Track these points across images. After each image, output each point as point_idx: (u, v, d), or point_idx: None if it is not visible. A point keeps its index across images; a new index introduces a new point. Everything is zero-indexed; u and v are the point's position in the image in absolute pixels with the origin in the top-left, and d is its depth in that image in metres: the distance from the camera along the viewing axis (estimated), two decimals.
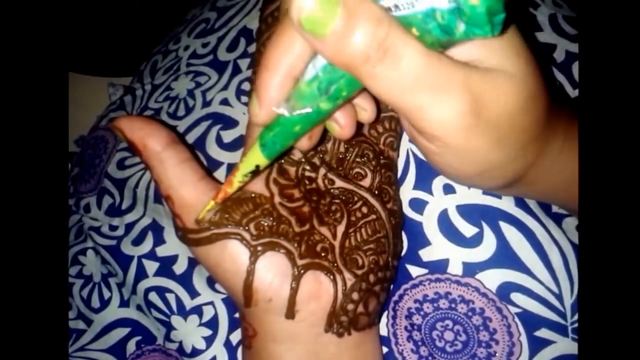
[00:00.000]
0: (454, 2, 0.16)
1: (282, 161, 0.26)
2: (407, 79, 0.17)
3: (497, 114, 0.18)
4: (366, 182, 0.27)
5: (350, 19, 0.16)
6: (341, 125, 0.22)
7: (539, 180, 0.23)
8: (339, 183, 0.26)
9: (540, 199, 0.27)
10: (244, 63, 0.35)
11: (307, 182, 0.26)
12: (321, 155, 0.27)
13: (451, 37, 0.17)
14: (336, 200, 0.26)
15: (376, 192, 0.26)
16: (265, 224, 0.24)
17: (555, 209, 0.27)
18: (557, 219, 0.27)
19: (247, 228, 0.24)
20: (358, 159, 0.27)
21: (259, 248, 0.23)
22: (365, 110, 0.22)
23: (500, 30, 0.16)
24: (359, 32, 0.16)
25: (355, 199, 0.26)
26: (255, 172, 0.23)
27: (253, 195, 0.25)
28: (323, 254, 0.24)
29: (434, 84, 0.17)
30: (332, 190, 0.26)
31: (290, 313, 0.23)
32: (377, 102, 0.22)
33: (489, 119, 0.18)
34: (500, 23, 0.16)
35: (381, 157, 0.27)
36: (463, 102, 0.18)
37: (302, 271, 0.23)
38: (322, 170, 0.27)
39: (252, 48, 0.35)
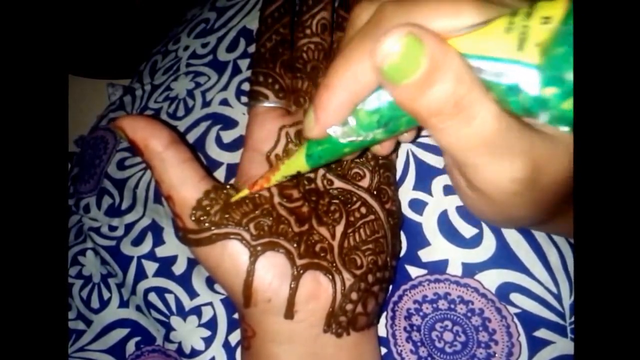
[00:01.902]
0: (539, 88, 0.15)
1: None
2: (474, 140, 0.17)
3: (547, 182, 0.18)
4: (365, 183, 0.27)
5: (432, 73, 0.15)
6: (382, 146, 0.23)
7: (561, 223, 0.23)
8: (337, 183, 0.26)
9: (559, 234, 0.27)
10: (243, 63, 0.35)
11: (306, 182, 0.26)
12: None
13: (529, 116, 0.16)
14: (335, 201, 0.26)
15: (375, 192, 0.26)
16: (265, 224, 0.24)
17: None
18: None
19: (247, 228, 0.24)
20: (357, 159, 0.27)
21: (259, 248, 0.23)
22: (407, 132, 0.23)
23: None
24: (438, 87, 0.16)
25: (354, 199, 0.26)
26: (295, 177, 0.24)
27: (253, 195, 0.25)
28: (322, 254, 0.24)
29: (499, 148, 0.17)
30: (331, 191, 0.26)
31: (289, 313, 0.23)
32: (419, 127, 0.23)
33: (541, 185, 0.18)
34: None
35: (380, 158, 0.27)
36: (522, 170, 0.17)
37: (301, 271, 0.23)
38: (321, 171, 0.27)
39: (252, 48, 0.35)
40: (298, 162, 0.23)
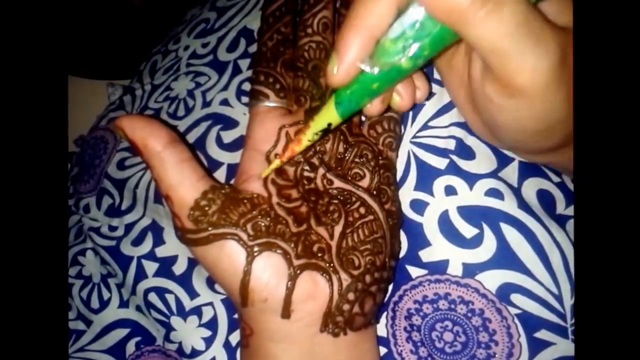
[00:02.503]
0: None
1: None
2: (508, 26, 0.18)
3: (571, 71, 0.19)
4: (365, 183, 0.27)
5: None
6: (402, 96, 0.24)
7: None
8: (337, 183, 0.26)
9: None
10: (244, 63, 0.35)
11: (305, 182, 0.26)
12: (320, 156, 0.27)
13: None
14: (334, 201, 0.26)
15: (374, 192, 0.26)
16: (263, 224, 0.24)
17: (560, 210, 0.27)
18: (561, 221, 0.27)
19: (244, 228, 0.24)
20: (357, 159, 0.27)
21: (256, 248, 0.23)
22: (420, 89, 0.24)
23: None
24: None
25: (354, 199, 0.26)
26: (326, 131, 0.24)
27: (250, 195, 0.25)
28: (319, 254, 0.24)
29: (533, 33, 0.18)
30: (330, 191, 0.26)
31: (286, 313, 0.23)
32: (430, 84, 0.25)
33: (568, 74, 0.19)
34: None
35: (380, 158, 0.27)
36: (556, 54, 0.18)
37: (298, 271, 0.23)
38: (321, 171, 0.27)
39: (252, 48, 0.35)
40: (328, 113, 0.23)
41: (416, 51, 0.20)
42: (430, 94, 0.29)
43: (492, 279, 0.26)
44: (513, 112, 0.21)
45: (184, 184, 0.24)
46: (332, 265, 0.24)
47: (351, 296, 0.24)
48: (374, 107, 0.24)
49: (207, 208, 0.24)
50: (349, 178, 0.27)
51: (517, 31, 0.18)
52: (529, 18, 0.18)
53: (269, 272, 0.23)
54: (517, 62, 0.19)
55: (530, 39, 0.18)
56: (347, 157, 0.27)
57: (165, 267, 0.33)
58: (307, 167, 0.27)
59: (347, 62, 0.20)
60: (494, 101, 0.21)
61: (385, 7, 0.19)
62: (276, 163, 0.25)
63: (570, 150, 0.23)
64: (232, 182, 0.28)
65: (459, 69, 0.24)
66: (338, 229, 0.25)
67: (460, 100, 0.26)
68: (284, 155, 0.25)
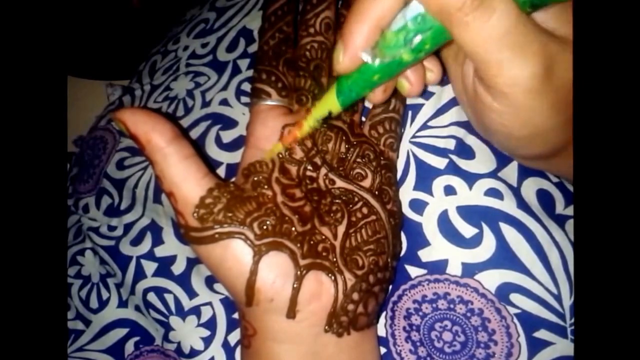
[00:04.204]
0: None
1: (284, 160, 0.26)
2: (495, 33, 0.18)
3: (561, 82, 0.20)
4: (367, 183, 0.27)
5: None
6: (411, 82, 0.23)
7: None
8: (339, 183, 0.26)
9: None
10: (243, 63, 0.35)
11: (308, 181, 0.26)
12: (322, 155, 0.27)
13: (539, 3, 0.18)
14: (337, 201, 0.26)
15: (376, 192, 0.26)
16: (269, 223, 0.24)
17: (559, 210, 0.27)
18: (561, 221, 0.27)
19: (250, 227, 0.23)
20: (359, 160, 0.27)
21: (263, 248, 0.23)
22: (432, 72, 0.24)
23: None
24: None
25: (356, 199, 0.26)
26: (327, 118, 0.24)
27: (256, 194, 0.25)
28: (324, 254, 0.24)
29: (518, 42, 0.18)
30: (332, 191, 0.26)
31: (292, 313, 0.23)
32: (443, 67, 0.24)
33: (554, 85, 0.19)
34: None
35: (382, 158, 0.27)
36: (538, 64, 0.19)
37: (304, 272, 0.23)
38: (323, 170, 0.27)
39: (251, 48, 0.35)
40: (329, 101, 0.23)
41: (417, 44, 0.20)
42: (430, 94, 0.29)
43: (492, 279, 0.26)
44: (499, 115, 0.21)
45: (188, 181, 0.24)
46: (336, 265, 0.24)
47: (355, 296, 0.24)
48: (375, 97, 0.24)
49: (212, 206, 0.24)
50: (351, 178, 0.27)
51: (501, 39, 0.18)
52: (517, 27, 0.18)
53: (275, 271, 0.23)
54: (500, 68, 0.19)
55: (512, 48, 0.18)
56: (349, 157, 0.27)
57: (164, 267, 0.33)
58: (309, 167, 0.27)
59: (351, 51, 0.21)
60: (483, 101, 0.22)
61: None
62: (278, 147, 0.25)
63: (565, 159, 0.24)
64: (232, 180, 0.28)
65: (461, 61, 0.24)
66: (341, 229, 0.25)
67: (461, 95, 0.26)
68: (286, 140, 0.25)
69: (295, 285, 0.23)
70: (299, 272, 0.23)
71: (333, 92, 0.23)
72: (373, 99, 0.24)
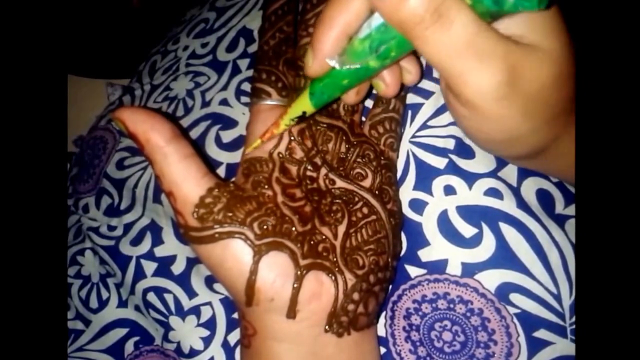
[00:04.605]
0: None
1: (285, 160, 0.26)
2: (455, 44, 0.18)
3: (529, 87, 0.20)
4: (367, 183, 0.27)
5: None
6: (387, 83, 0.24)
7: (562, 155, 0.24)
8: (339, 183, 0.26)
9: (562, 176, 0.27)
10: (243, 63, 0.35)
11: (308, 181, 0.26)
12: (322, 155, 0.27)
13: (501, 9, 0.18)
14: (337, 200, 0.26)
15: (377, 192, 0.26)
16: (269, 223, 0.24)
17: (559, 210, 0.27)
18: (560, 220, 0.27)
19: (251, 227, 0.23)
20: (359, 159, 0.27)
21: (263, 248, 0.23)
22: (410, 73, 0.24)
23: (545, 6, 0.17)
24: None
25: (356, 199, 0.26)
26: (302, 118, 0.25)
27: (256, 193, 0.25)
28: (324, 254, 0.24)
29: (479, 52, 0.18)
30: (333, 190, 0.26)
31: (292, 313, 0.23)
32: (421, 67, 0.25)
33: (522, 91, 0.20)
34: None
35: (382, 158, 0.27)
36: (502, 72, 0.19)
37: (304, 272, 0.23)
38: (324, 170, 0.27)
39: (251, 48, 0.35)
40: (303, 103, 0.24)
41: (382, 52, 0.20)
42: (430, 93, 0.29)
43: (491, 279, 0.26)
44: (473, 122, 0.22)
45: (188, 180, 0.24)
46: (337, 265, 0.24)
47: (356, 296, 0.24)
48: (348, 98, 0.25)
49: (212, 206, 0.23)
50: (351, 178, 0.27)
51: (462, 49, 0.18)
52: (478, 36, 0.18)
53: (275, 271, 0.23)
54: (464, 79, 0.19)
55: (474, 58, 0.18)
56: (349, 157, 0.27)
57: (164, 266, 0.33)
58: (309, 167, 0.27)
59: (320, 56, 0.21)
60: (456, 110, 0.22)
61: (358, 7, 0.20)
62: (257, 142, 0.26)
63: (550, 158, 0.24)
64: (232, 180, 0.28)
65: None
66: (342, 229, 0.25)
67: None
68: (264, 136, 0.26)
69: (295, 285, 0.23)
70: (299, 272, 0.23)
71: (306, 93, 0.24)
72: (347, 100, 0.25)
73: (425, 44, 0.19)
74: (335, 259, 0.24)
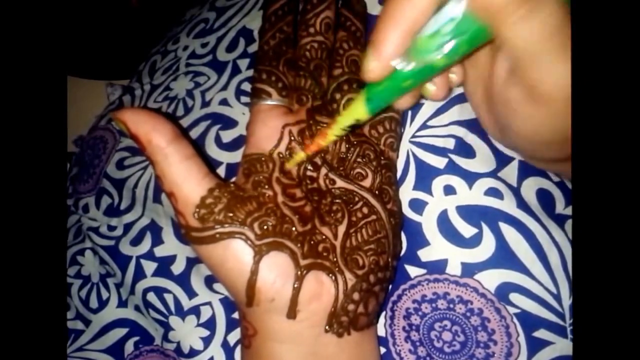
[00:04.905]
0: None
1: (285, 160, 0.26)
2: (541, 32, 0.18)
3: None
4: (367, 183, 0.27)
5: None
6: (438, 85, 0.23)
7: None
8: (340, 183, 0.26)
9: None
10: (243, 63, 0.35)
11: (308, 181, 0.26)
12: (322, 155, 0.27)
13: None
14: (337, 200, 0.26)
15: (377, 192, 0.26)
16: (270, 223, 0.24)
17: (559, 210, 0.27)
18: (560, 220, 0.27)
19: (251, 227, 0.23)
20: (359, 159, 0.27)
21: (264, 248, 0.23)
22: (455, 74, 0.24)
23: None
24: None
25: (356, 199, 0.26)
26: (354, 127, 0.24)
27: (257, 194, 0.25)
28: (325, 254, 0.24)
29: (564, 41, 0.18)
30: (333, 190, 0.26)
31: (292, 313, 0.23)
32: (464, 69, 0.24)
33: None
34: None
35: (382, 158, 0.27)
36: None
37: (304, 272, 0.23)
38: (324, 170, 0.27)
39: (251, 48, 0.35)
40: (357, 109, 0.23)
41: (452, 49, 0.19)
42: None
43: (491, 279, 0.26)
44: (532, 119, 0.21)
45: (189, 181, 0.24)
46: (337, 265, 0.24)
47: (356, 296, 0.24)
48: (404, 103, 0.24)
49: (213, 206, 0.24)
50: (351, 178, 0.27)
51: (550, 38, 0.18)
52: (564, 25, 0.18)
53: (275, 272, 0.23)
54: (545, 69, 0.18)
55: (562, 48, 0.18)
56: (349, 157, 0.27)
57: (164, 266, 0.33)
58: (310, 167, 0.27)
59: (384, 58, 0.20)
60: (515, 105, 0.21)
61: (425, 2, 0.19)
62: (301, 156, 0.25)
63: None
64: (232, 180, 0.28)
65: (481, 65, 0.23)
66: (342, 229, 0.25)
67: (477, 98, 0.25)
68: (310, 149, 0.25)
69: (295, 285, 0.23)
70: (299, 272, 0.23)
71: (361, 100, 0.23)
72: (401, 104, 0.24)
73: (511, 30, 0.18)
74: (335, 259, 0.24)
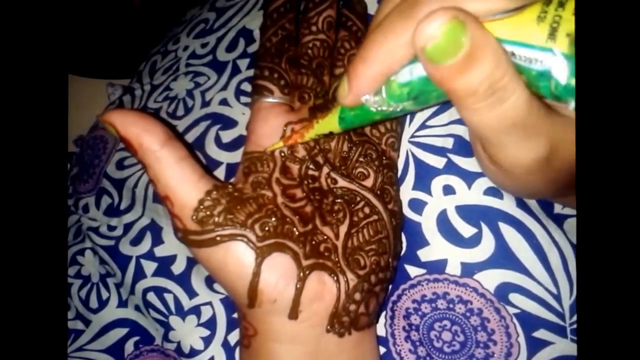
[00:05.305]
0: (568, 77, 0.16)
1: (287, 158, 0.26)
2: (503, 121, 0.17)
3: (564, 162, 0.19)
4: (369, 182, 0.27)
5: (473, 56, 0.16)
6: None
7: None
8: (341, 182, 0.26)
9: None
10: (243, 63, 0.35)
11: (310, 180, 0.26)
12: (325, 154, 0.27)
13: (556, 101, 0.17)
14: (339, 200, 0.26)
15: (378, 192, 0.26)
16: (270, 224, 0.24)
17: (557, 209, 0.27)
18: (559, 220, 0.27)
19: (252, 229, 0.23)
20: (361, 159, 0.27)
21: (265, 250, 0.23)
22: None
23: None
24: (477, 69, 0.16)
25: (358, 199, 0.26)
26: (327, 136, 0.25)
27: (256, 195, 0.25)
28: (326, 254, 0.24)
29: (525, 129, 0.18)
30: (334, 190, 0.26)
31: (294, 314, 0.23)
32: None
33: (557, 166, 0.19)
34: None
35: (384, 158, 0.27)
36: (544, 148, 0.18)
37: (307, 272, 0.23)
38: (325, 169, 0.27)
39: (251, 48, 0.35)
40: (331, 122, 0.23)
41: (422, 99, 0.19)
42: None
43: (491, 279, 0.26)
44: (501, 179, 0.22)
45: (184, 183, 0.23)
46: (339, 265, 0.24)
47: (357, 296, 0.24)
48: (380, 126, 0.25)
49: (212, 208, 0.23)
50: (353, 177, 0.27)
51: (509, 127, 0.18)
52: (528, 113, 0.17)
53: (277, 273, 0.23)
54: (504, 150, 0.19)
55: (520, 135, 0.18)
56: (351, 156, 0.27)
57: (164, 266, 0.33)
58: (311, 166, 0.26)
59: (355, 92, 0.20)
60: (486, 165, 0.22)
61: (402, 52, 0.19)
62: (279, 144, 0.26)
63: (568, 196, 0.25)
64: (231, 181, 0.28)
65: None
66: (343, 229, 0.25)
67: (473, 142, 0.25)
68: (287, 141, 0.25)
69: (298, 286, 0.23)
70: (301, 273, 0.23)
71: (336, 115, 0.23)
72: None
73: (472, 115, 0.18)
74: (337, 259, 0.24)
